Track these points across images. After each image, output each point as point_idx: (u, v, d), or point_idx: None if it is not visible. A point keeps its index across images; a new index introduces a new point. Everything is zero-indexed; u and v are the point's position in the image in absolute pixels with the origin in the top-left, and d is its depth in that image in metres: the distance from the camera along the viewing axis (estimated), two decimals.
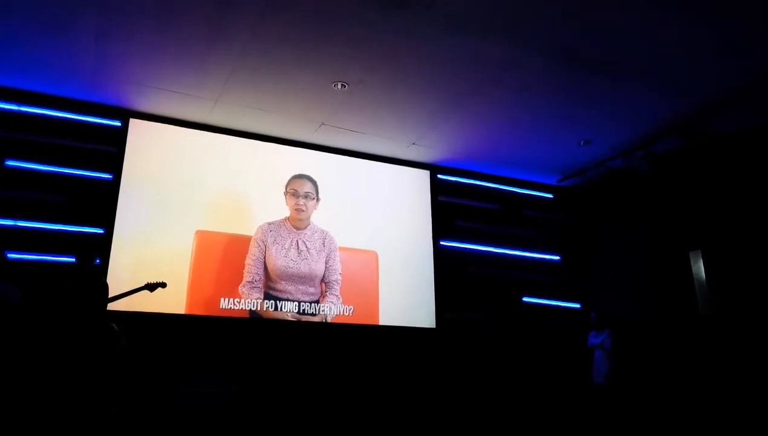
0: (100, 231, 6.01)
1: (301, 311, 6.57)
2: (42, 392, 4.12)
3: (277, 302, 6.49)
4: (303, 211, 6.78)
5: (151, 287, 5.08)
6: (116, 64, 5.56)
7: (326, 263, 6.80)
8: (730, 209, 6.80)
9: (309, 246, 6.77)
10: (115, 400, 4.68)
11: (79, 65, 5.56)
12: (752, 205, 6.61)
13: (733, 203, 6.79)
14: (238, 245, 6.52)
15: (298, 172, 7.02)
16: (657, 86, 5.90)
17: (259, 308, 6.38)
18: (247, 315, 6.35)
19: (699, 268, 7.00)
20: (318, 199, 6.94)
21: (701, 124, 6.55)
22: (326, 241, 6.88)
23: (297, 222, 6.78)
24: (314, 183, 6.98)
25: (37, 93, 6.04)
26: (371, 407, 6.40)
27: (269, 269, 6.53)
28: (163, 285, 5.13)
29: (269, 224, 6.69)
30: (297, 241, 6.74)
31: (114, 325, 4.78)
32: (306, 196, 6.86)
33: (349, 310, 6.82)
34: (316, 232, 6.86)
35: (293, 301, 6.55)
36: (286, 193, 6.86)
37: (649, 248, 7.59)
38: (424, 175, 7.92)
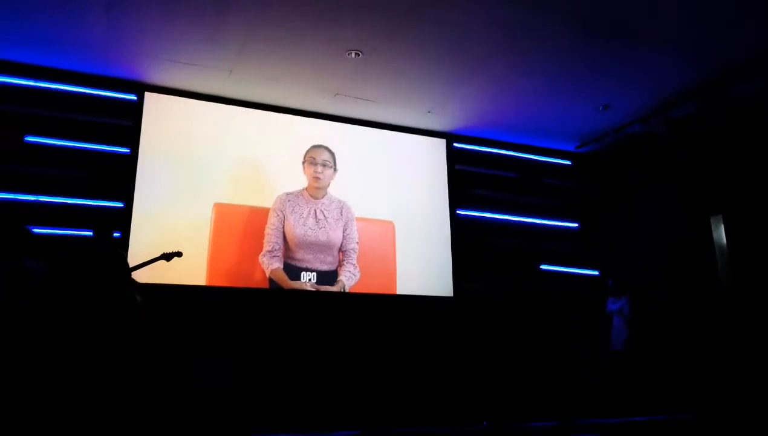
0: (120, 205, 6.08)
1: (320, 280, 6.63)
2: (65, 366, 4.21)
3: (296, 271, 6.55)
4: (320, 179, 6.81)
5: (167, 256, 5.06)
6: (129, 38, 5.56)
7: (344, 232, 6.84)
8: (752, 174, 6.68)
9: (327, 215, 6.80)
10: (138, 374, 4.78)
11: (92, 40, 5.57)
12: None
13: (755, 167, 6.66)
14: (256, 216, 6.56)
15: (316, 143, 7.01)
16: (675, 52, 5.81)
17: (278, 278, 6.45)
18: (266, 285, 6.42)
19: (720, 233, 6.92)
20: (335, 169, 6.94)
21: (721, 89, 6.41)
22: (343, 210, 6.90)
23: (315, 191, 6.81)
24: (332, 153, 6.98)
25: (53, 69, 6.07)
26: (391, 374, 6.48)
27: (288, 238, 6.58)
28: (179, 254, 5.12)
29: (287, 193, 6.72)
30: (315, 210, 6.77)
31: (138, 296, 4.85)
32: (324, 164, 6.87)
33: (368, 280, 6.87)
34: (333, 201, 6.89)
35: (312, 270, 6.61)
36: (304, 162, 6.87)
37: (669, 214, 7.51)
38: (440, 144, 7.86)
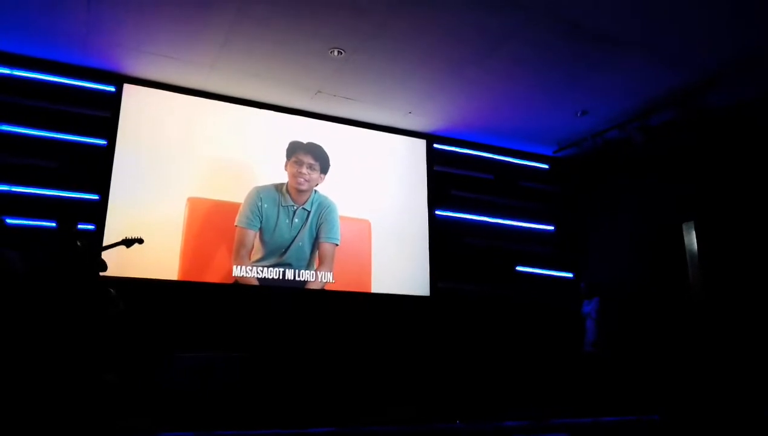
0: (96, 197, 6.00)
1: (296, 278, 6.62)
2: (43, 357, 4.17)
3: (271, 268, 6.54)
4: (303, 181, 6.81)
5: (128, 242, 5.00)
6: (110, 28, 5.49)
7: (321, 230, 6.83)
8: (723, 182, 6.83)
9: (305, 212, 6.80)
10: (111, 366, 4.74)
11: (72, 29, 5.49)
12: (745, 178, 6.65)
13: (726, 176, 6.82)
14: (230, 212, 6.52)
15: (306, 141, 7.06)
16: (655, 58, 5.91)
17: (253, 275, 6.43)
18: (240, 282, 6.39)
19: (691, 239, 7.06)
20: (322, 175, 6.97)
21: (697, 97, 6.55)
22: (323, 208, 6.90)
23: (295, 192, 6.80)
24: (321, 158, 6.98)
25: (30, 57, 5.97)
26: (365, 371, 6.50)
27: (264, 235, 6.56)
28: (140, 241, 5.07)
29: (264, 187, 6.71)
30: (293, 207, 6.76)
31: (111, 290, 4.81)
32: (310, 167, 6.89)
33: (343, 278, 6.89)
34: (313, 199, 6.88)
35: (286, 266, 6.60)
36: (288, 161, 6.86)
37: (643, 220, 7.65)
38: (420, 145, 7.90)
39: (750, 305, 6.33)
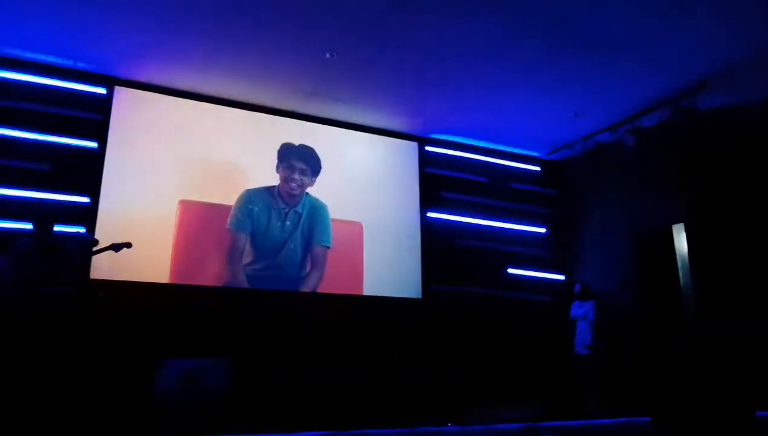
0: (87, 200, 5.97)
1: (287, 281, 6.60)
2: (35, 359, 4.15)
3: (263, 271, 6.52)
4: (295, 186, 6.79)
5: (116, 247, 4.97)
6: (101, 31, 5.46)
7: (312, 233, 6.82)
8: (713, 184, 6.87)
9: (297, 215, 6.79)
10: (102, 369, 4.72)
11: (63, 31, 5.46)
12: (735, 181, 6.69)
13: (716, 179, 6.86)
14: (222, 214, 6.50)
15: (298, 144, 7.03)
16: (648, 61, 5.93)
17: (245, 278, 6.41)
18: (230, 284, 6.37)
19: (681, 241, 7.10)
20: (313, 178, 6.96)
21: (689, 100, 6.59)
22: (315, 211, 6.89)
23: (287, 196, 6.78)
24: (312, 162, 6.96)
25: (21, 59, 5.93)
26: (358, 374, 6.49)
27: (255, 238, 6.54)
28: (128, 245, 5.04)
29: (256, 190, 6.69)
30: (285, 210, 6.75)
31: (102, 293, 4.80)
32: (302, 172, 6.88)
33: (335, 281, 6.87)
34: (305, 201, 6.87)
35: (278, 269, 6.58)
36: (280, 164, 6.84)
37: (634, 222, 7.67)
38: (412, 147, 7.91)
39: (740, 306, 6.37)
